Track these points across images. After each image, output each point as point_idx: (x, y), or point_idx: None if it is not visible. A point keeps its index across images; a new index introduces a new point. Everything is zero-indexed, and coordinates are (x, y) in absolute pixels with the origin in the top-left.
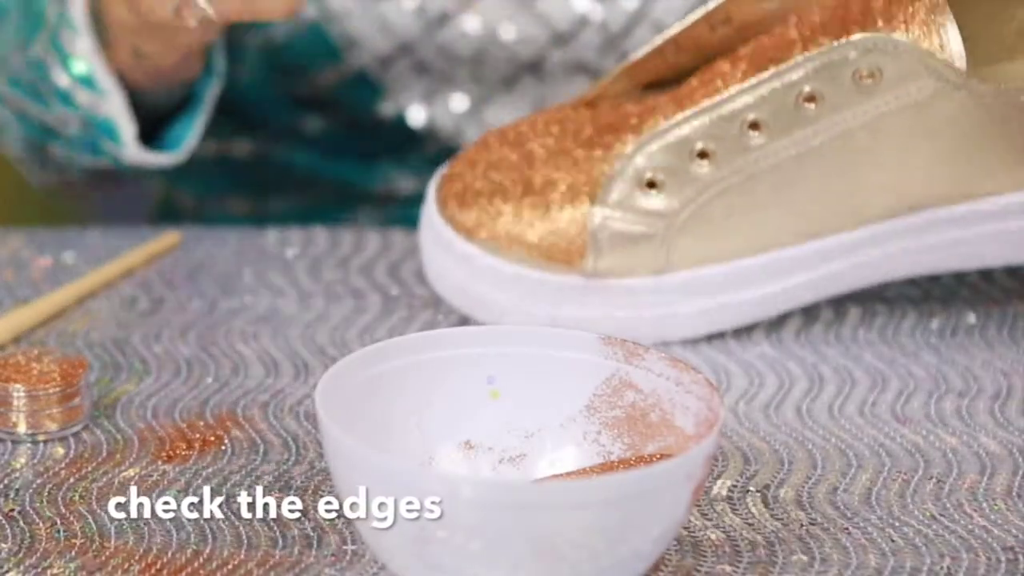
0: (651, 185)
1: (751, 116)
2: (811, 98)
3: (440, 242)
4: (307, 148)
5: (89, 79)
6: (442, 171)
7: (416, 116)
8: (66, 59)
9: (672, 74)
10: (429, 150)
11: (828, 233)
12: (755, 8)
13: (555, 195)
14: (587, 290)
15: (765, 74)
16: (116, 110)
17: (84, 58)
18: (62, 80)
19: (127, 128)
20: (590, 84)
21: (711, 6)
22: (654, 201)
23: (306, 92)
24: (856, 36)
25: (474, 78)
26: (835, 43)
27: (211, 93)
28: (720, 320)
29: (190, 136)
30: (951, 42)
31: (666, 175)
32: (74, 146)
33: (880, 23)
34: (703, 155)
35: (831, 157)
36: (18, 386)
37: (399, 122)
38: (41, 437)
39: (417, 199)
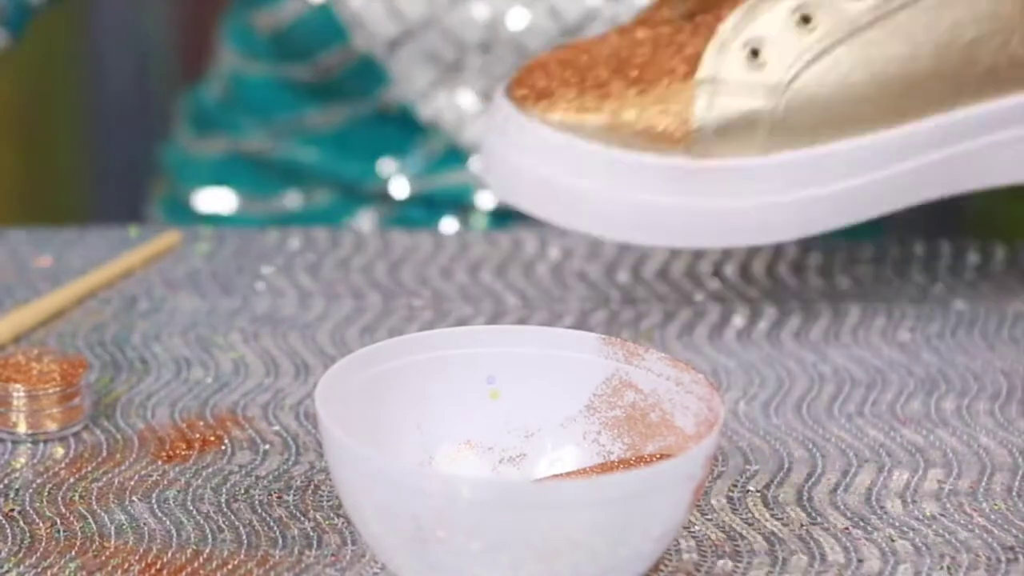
0: (755, 54)
1: None
2: None
3: (522, 141)
4: (311, 144)
5: None
6: (513, 75)
7: (421, 108)
8: None
9: None
10: (433, 147)
11: (928, 111)
12: None
13: (653, 74)
14: (690, 173)
15: None
16: None
17: None
18: None
19: None
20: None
21: None
22: (758, 74)
23: (312, 78)
24: None
25: (481, 70)
26: None
27: None
28: (819, 216)
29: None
30: None
31: (770, 44)
32: None
33: None
34: (806, 20)
35: (934, 14)
36: (18, 386)
37: (404, 114)
38: (41, 437)
39: (416, 201)
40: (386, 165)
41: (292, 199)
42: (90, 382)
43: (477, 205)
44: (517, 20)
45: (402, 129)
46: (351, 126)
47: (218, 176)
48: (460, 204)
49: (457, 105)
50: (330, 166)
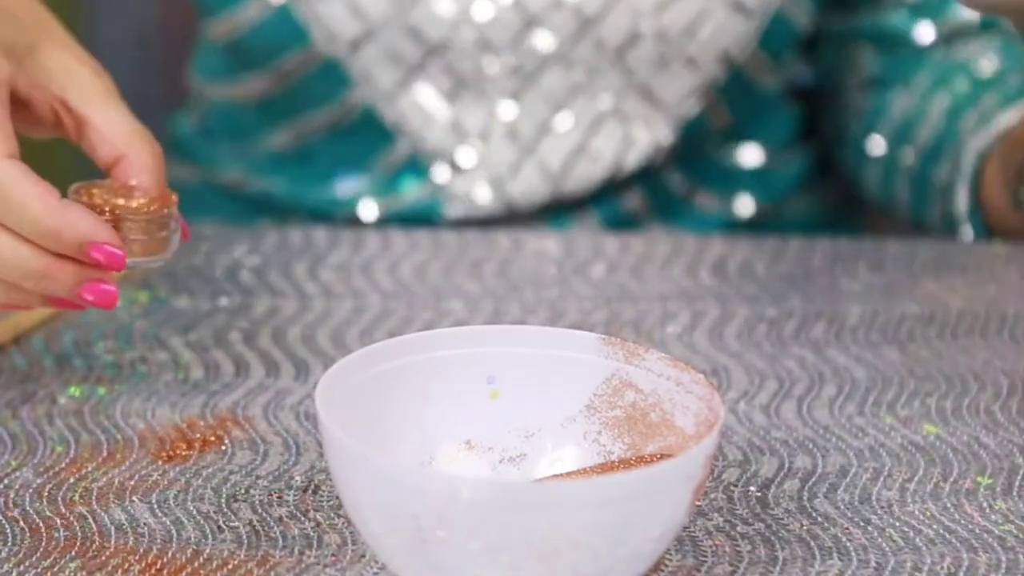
0: None
1: None
2: None
3: None
4: (278, 174)
5: None
6: None
7: (385, 111)
8: None
9: None
10: (395, 158)
11: None
12: None
13: None
14: None
15: None
16: None
17: None
18: None
19: None
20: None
21: None
22: None
23: (272, 87)
24: None
25: (445, 69)
26: None
27: None
28: None
29: None
30: None
31: None
32: None
33: None
34: None
35: None
36: (121, 211)
37: (365, 124)
38: (136, 266)
39: (386, 221)
40: (349, 185)
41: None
42: (178, 215)
43: (445, 216)
44: (482, 12)
45: (364, 140)
46: (314, 144)
47: (196, 204)
48: (429, 219)
49: (421, 105)
50: (298, 195)
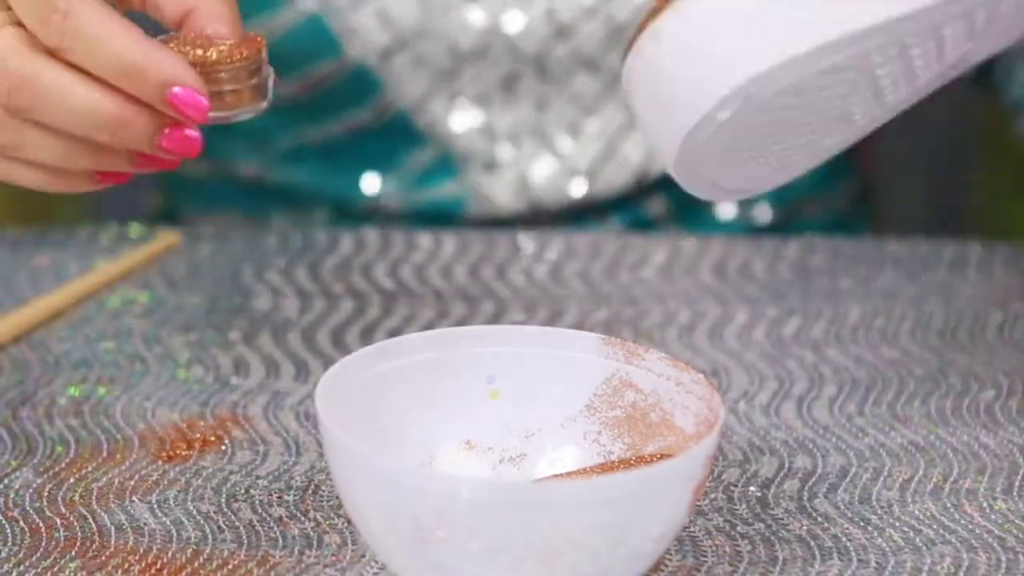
0: None
1: None
2: None
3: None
4: (301, 163)
5: None
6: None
7: (417, 117)
8: None
9: None
10: (424, 158)
11: None
12: None
13: None
14: None
15: None
16: None
17: None
18: None
19: None
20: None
21: None
22: None
23: (303, 93)
24: None
25: (476, 76)
26: None
27: None
28: None
29: None
30: None
31: None
32: None
33: None
34: None
35: None
36: (203, 61)
37: (395, 125)
38: (221, 116)
39: (408, 215)
40: (373, 180)
41: (288, 218)
42: (267, 58)
43: (469, 216)
44: (513, 22)
45: (393, 141)
46: (342, 141)
47: (209, 197)
48: (452, 216)
49: (452, 110)
50: (320, 184)
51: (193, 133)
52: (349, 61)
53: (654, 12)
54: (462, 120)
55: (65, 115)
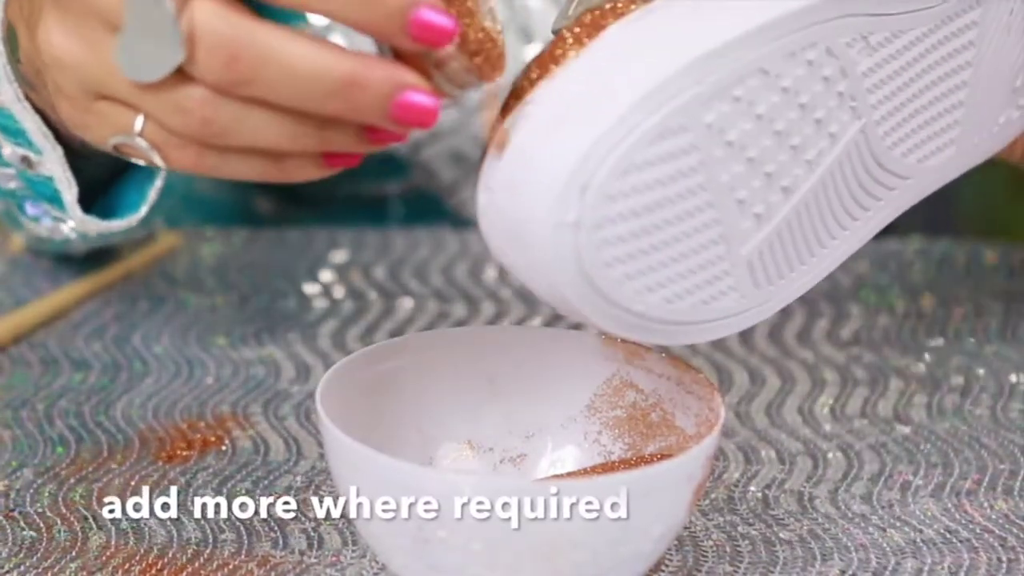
0: None
1: None
2: None
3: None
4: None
5: (18, 130)
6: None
7: (445, 198)
8: None
9: None
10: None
11: None
12: None
13: None
14: None
15: None
16: (52, 167)
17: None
18: None
19: (67, 189)
20: None
21: None
22: None
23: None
24: None
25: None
26: None
27: None
28: None
29: (148, 194)
30: None
31: None
32: (25, 209)
33: None
34: None
35: None
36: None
37: (424, 196)
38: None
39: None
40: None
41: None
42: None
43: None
44: None
45: (417, 205)
46: (367, 200)
47: (220, 219)
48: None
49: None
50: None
51: (428, 100)
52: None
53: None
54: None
55: (290, 83)
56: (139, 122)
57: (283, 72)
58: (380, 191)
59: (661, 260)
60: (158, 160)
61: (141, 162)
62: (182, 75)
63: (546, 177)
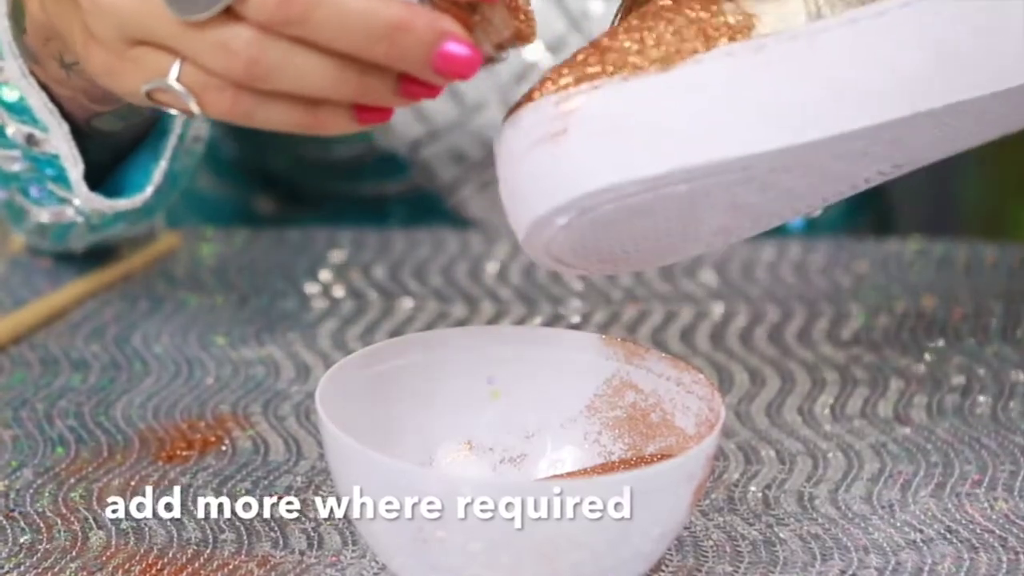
0: None
1: None
2: None
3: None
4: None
5: (23, 107)
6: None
7: (446, 198)
8: None
9: None
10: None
11: None
12: None
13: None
14: None
15: None
16: (58, 144)
17: (11, 84)
18: None
19: (74, 166)
20: None
21: None
22: None
23: (328, 164)
24: None
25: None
26: None
27: (180, 122)
28: None
29: (153, 175)
30: None
31: None
32: (29, 193)
33: None
34: None
35: None
36: None
37: (423, 196)
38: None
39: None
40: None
41: (265, 204)
42: None
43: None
44: None
45: (418, 205)
46: (368, 199)
47: (216, 218)
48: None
49: (484, 198)
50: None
51: (469, 52)
52: (377, 147)
53: (523, 99)
54: (492, 203)
55: (340, 24)
56: (176, 67)
57: (334, 13)
58: (380, 191)
59: (621, 253)
60: (193, 105)
61: (172, 110)
62: (229, 14)
63: (564, 180)
